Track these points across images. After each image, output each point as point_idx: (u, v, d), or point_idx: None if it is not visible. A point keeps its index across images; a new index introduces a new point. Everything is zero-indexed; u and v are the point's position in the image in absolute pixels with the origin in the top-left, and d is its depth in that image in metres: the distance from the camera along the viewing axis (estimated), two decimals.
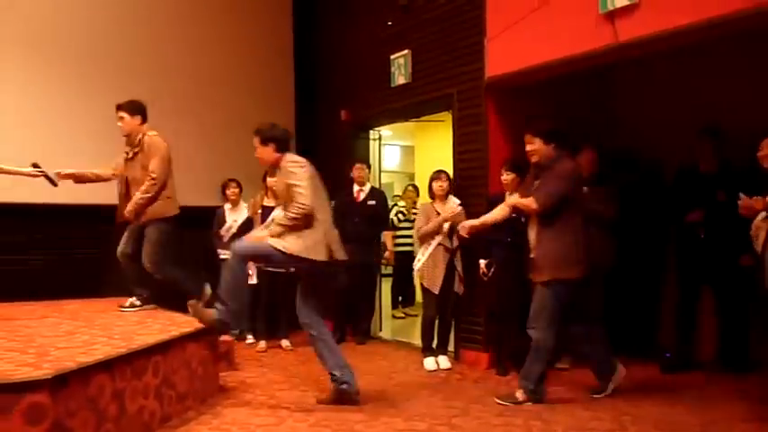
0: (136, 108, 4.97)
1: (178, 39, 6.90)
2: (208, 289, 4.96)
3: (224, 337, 5.08)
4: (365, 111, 7.01)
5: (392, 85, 6.55)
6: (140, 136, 4.94)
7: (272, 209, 6.10)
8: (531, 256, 4.27)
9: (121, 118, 4.95)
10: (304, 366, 5.40)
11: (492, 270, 5.22)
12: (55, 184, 4.87)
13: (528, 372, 4.25)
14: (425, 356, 5.48)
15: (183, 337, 4.00)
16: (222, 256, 6.10)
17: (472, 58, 5.60)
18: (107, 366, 3.22)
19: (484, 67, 5.47)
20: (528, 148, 4.29)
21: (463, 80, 5.73)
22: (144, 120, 5.00)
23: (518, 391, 4.28)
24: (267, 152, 4.25)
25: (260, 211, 6.16)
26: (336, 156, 7.16)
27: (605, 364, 4.44)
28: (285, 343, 6.26)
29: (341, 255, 4.20)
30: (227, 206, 6.53)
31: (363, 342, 6.56)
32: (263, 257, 4.33)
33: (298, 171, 4.10)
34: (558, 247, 4.10)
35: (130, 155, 4.98)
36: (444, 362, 5.45)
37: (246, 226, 6.13)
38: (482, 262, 5.27)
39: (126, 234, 5.07)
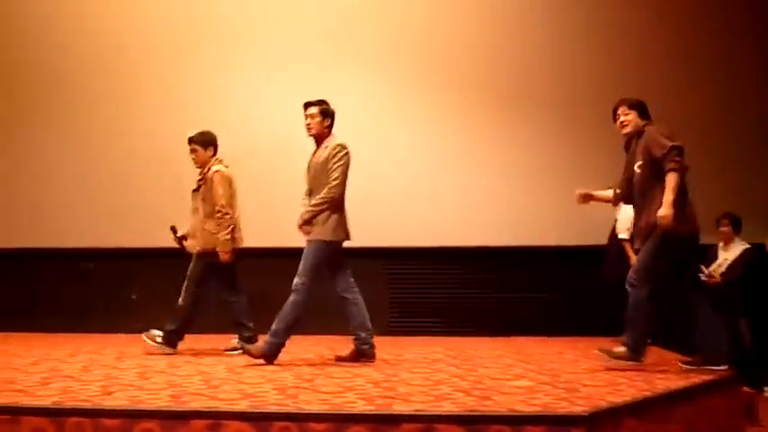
0: (208, 140, 5.09)
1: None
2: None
3: (745, 389, 4.65)
4: None
5: None
6: (205, 170, 5.06)
7: None
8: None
9: (194, 150, 5.08)
10: None
11: None
12: None
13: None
14: None
15: (708, 385, 3.79)
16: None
17: None
18: (636, 409, 3.24)
19: None
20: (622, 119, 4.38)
21: None
22: (215, 152, 5.11)
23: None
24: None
25: None
26: None
27: None
28: None
29: None
30: (720, 244, 6.23)
31: None
32: None
33: None
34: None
35: (196, 186, 5.13)
36: None
37: (736, 267, 5.91)
38: None
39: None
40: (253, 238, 5.32)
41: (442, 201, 6.61)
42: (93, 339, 5.89)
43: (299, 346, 5.11)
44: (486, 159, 6.70)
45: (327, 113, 4.57)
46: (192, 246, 5.10)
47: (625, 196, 4.51)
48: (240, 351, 4.93)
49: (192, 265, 5.08)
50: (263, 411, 2.95)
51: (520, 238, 6.54)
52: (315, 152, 4.61)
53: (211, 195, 4.97)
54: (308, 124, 4.55)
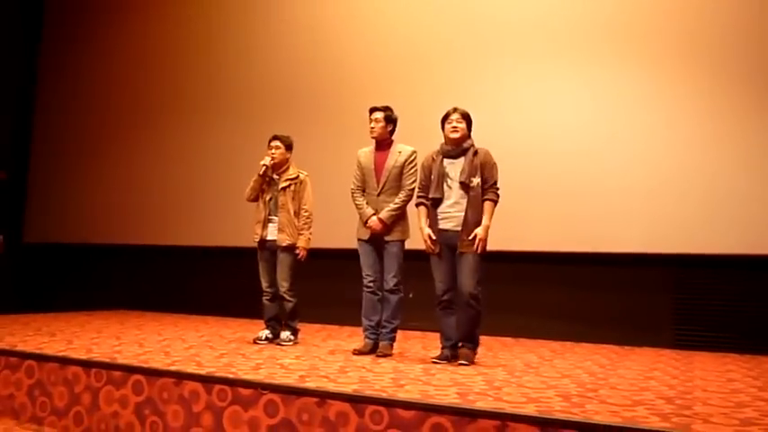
0: (290, 144, 5.53)
1: None
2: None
3: None
4: None
5: None
6: (286, 170, 5.46)
7: None
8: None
9: (278, 148, 5.45)
10: None
11: None
12: None
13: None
14: None
15: None
16: None
17: None
18: None
19: None
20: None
21: None
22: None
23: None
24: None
25: None
26: None
27: None
28: None
29: None
30: None
31: None
32: None
33: None
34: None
35: (286, 185, 5.42)
36: None
37: None
38: None
39: (267, 265, 5.48)
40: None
41: (742, 202, 5.90)
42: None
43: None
44: None
45: (391, 119, 4.94)
46: (282, 239, 5.41)
47: None
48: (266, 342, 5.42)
49: (282, 257, 5.40)
50: (550, 417, 2.94)
51: None
52: (377, 154, 4.92)
53: (300, 196, 5.46)
54: (373, 128, 4.91)
